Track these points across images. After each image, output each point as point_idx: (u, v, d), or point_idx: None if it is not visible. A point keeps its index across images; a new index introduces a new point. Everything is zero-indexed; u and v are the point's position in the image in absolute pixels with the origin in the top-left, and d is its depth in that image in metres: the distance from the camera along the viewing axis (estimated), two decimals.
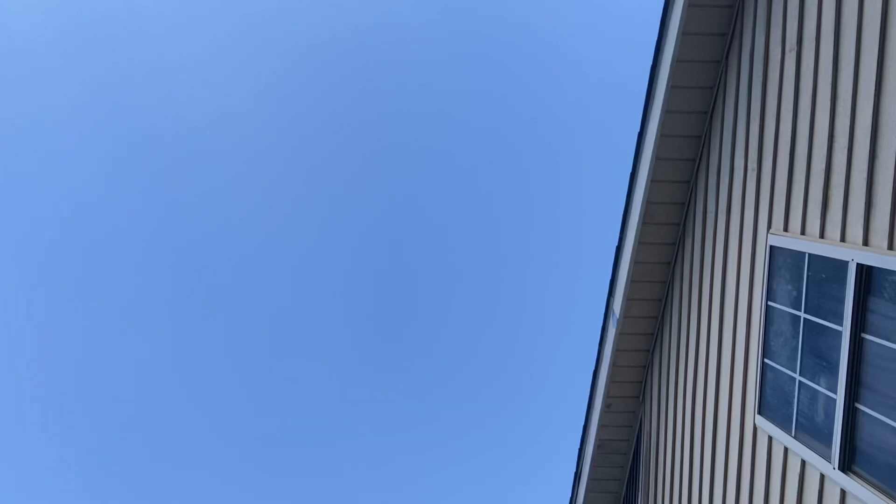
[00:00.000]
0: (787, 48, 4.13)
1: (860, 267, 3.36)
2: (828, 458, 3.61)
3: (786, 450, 4.07)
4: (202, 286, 20.03)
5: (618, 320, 6.14)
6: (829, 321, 3.68)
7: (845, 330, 3.48)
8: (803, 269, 3.92)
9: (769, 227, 4.31)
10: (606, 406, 6.69)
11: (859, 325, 3.41)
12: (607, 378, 6.51)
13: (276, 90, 19.10)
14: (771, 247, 4.28)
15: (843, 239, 3.52)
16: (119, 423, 19.96)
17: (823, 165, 3.70)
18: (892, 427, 3.17)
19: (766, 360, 4.35)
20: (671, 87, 5.01)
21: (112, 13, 17.31)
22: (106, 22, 17.41)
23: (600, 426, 6.81)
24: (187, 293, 20.04)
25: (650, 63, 5.21)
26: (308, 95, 18.98)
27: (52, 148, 18.08)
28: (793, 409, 4.02)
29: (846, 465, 3.48)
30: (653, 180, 5.42)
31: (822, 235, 3.71)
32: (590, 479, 7.19)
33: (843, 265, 3.51)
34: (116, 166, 18.39)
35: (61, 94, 17.63)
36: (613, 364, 6.41)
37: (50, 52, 17.19)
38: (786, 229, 4.11)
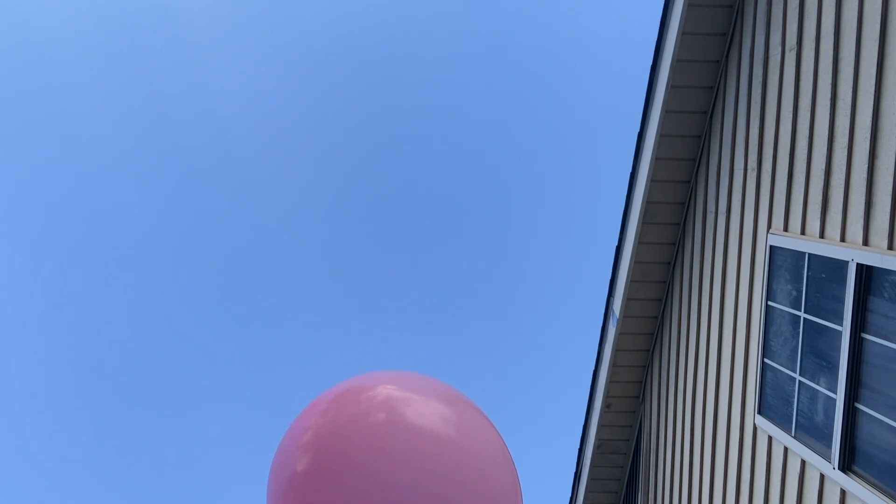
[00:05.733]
0: (787, 48, 4.13)
1: (860, 267, 3.36)
2: (828, 458, 3.61)
3: (786, 450, 4.07)
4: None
5: (618, 320, 6.15)
6: (829, 321, 3.68)
7: (845, 330, 3.48)
8: (803, 269, 3.93)
9: (769, 227, 4.32)
10: (606, 406, 6.69)
11: (859, 325, 3.41)
12: (607, 378, 6.51)
13: (277, 88, 19.12)
14: (771, 247, 4.28)
15: (843, 239, 3.52)
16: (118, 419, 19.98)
17: (823, 165, 3.71)
18: (892, 427, 3.17)
19: (766, 360, 4.36)
20: (671, 87, 5.01)
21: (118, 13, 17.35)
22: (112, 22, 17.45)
23: (600, 426, 6.81)
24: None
25: (650, 63, 5.21)
26: (315, 96, 19.03)
27: (57, 147, 18.14)
28: (793, 409, 4.03)
29: (846, 465, 3.48)
30: (653, 180, 5.42)
31: (822, 235, 3.72)
32: (590, 479, 7.19)
33: (843, 265, 3.51)
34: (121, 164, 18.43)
35: (69, 92, 17.68)
36: (613, 364, 6.41)
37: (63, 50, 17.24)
38: (786, 229, 4.12)
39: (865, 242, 3.33)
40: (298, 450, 2.74)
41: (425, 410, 2.79)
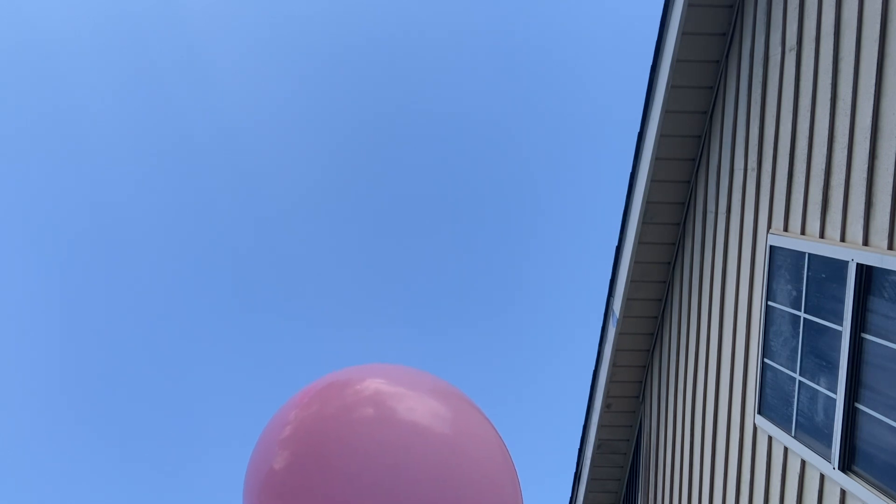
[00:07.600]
0: (787, 48, 4.13)
1: (860, 267, 3.36)
2: (828, 458, 3.61)
3: (786, 450, 4.07)
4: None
5: (618, 320, 6.15)
6: (829, 321, 3.68)
7: (845, 330, 3.48)
8: (803, 269, 3.93)
9: (769, 227, 4.32)
10: (606, 406, 6.69)
11: (859, 324, 3.41)
12: (607, 378, 6.51)
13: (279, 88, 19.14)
14: (771, 247, 4.28)
15: (843, 239, 3.52)
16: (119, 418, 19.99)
17: (823, 165, 3.71)
18: (892, 427, 3.17)
19: (766, 360, 4.36)
20: (671, 87, 5.01)
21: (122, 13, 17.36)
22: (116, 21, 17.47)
23: (600, 426, 6.81)
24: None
25: (650, 63, 5.21)
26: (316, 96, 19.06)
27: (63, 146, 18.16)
28: (793, 409, 4.03)
29: (846, 465, 3.48)
30: (653, 180, 5.42)
31: (822, 235, 3.72)
32: (590, 479, 7.19)
33: (843, 265, 3.51)
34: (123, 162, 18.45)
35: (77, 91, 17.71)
36: (613, 364, 6.41)
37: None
38: (786, 229, 4.12)
39: (865, 242, 3.33)
40: (276, 447, 2.47)
41: (417, 406, 2.51)
